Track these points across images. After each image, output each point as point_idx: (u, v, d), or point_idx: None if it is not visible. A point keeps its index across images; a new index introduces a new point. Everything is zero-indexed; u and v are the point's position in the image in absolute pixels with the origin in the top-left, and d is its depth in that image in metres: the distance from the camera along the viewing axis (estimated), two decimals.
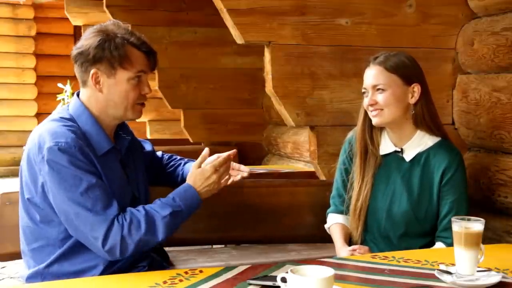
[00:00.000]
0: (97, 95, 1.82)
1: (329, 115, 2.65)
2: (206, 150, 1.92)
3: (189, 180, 1.87)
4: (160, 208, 1.75)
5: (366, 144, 2.16)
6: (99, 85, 1.80)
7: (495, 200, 2.49)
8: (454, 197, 2.06)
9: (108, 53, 1.77)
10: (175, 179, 2.15)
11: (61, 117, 1.81)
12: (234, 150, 1.92)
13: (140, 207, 1.74)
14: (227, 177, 1.91)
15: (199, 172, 1.86)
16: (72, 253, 1.74)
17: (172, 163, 2.21)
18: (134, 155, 1.98)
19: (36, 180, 1.72)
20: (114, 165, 1.84)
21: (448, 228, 1.93)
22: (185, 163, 2.18)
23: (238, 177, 1.98)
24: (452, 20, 2.77)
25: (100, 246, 1.67)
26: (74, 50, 1.82)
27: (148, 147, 2.18)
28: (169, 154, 2.27)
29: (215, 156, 1.92)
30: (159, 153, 2.26)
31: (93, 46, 1.77)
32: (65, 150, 1.68)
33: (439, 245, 2.06)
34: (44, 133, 1.73)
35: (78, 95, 1.88)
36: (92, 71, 1.79)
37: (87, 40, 1.79)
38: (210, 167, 1.86)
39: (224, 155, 1.90)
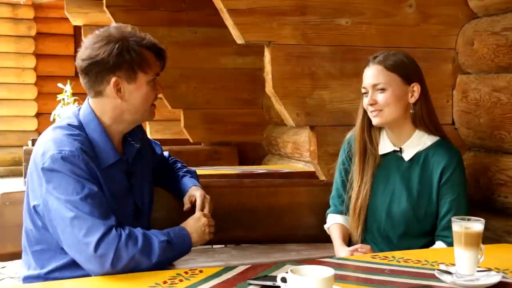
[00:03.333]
0: (115, 103, 1.78)
1: (329, 115, 2.65)
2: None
3: (183, 224, 1.88)
4: (157, 233, 1.72)
5: (365, 144, 2.16)
6: (120, 92, 1.76)
7: (495, 200, 2.49)
8: (453, 196, 2.06)
9: (129, 59, 1.74)
10: (172, 188, 2.16)
11: (68, 124, 1.77)
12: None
13: (137, 228, 1.71)
14: (213, 229, 1.93)
15: (191, 217, 1.91)
16: (75, 264, 1.70)
17: (174, 170, 2.21)
18: (142, 161, 1.95)
19: (41, 187, 1.69)
20: (118, 176, 1.82)
21: (448, 227, 1.93)
22: (182, 177, 2.17)
23: None
24: (452, 20, 2.77)
25: (91, 251, 1.59)
26: (84, 61, 1.75)
27: (158, 150, 2.19)
28: (173, 159, 2.26)
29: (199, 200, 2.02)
30: (166, 153, 2.26)
31: (113, 54, 1.72)
32: (68, 158, 1.65)
33: (439, 244, 2.06)
34: (49, 141, 1.70)
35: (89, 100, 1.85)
36: (113, 79, 1.74)
37: (99, 48, 1.73)
38: (198, 213, 1.93)
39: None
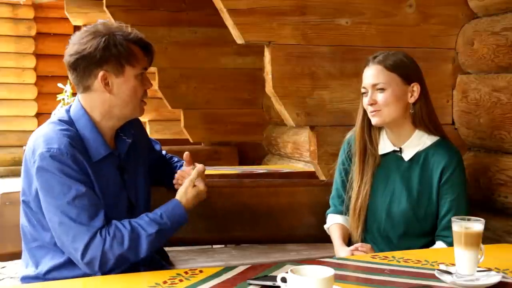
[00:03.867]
0: (104, 97, 1.79)
1: (329, 115, 2.65)
2: (201, 167, 1.91)
3: (178, 196, 1.86)
4: (146, 225, 1.72)
5: (365, 144, 2.16)
6: (108, 86, 1.77)
7: (495, 200, 2.49)
8: (453, 196, 2.06)
9: (116, 52, 1.75)
10: (170, 183, 2.15)
11: (59, 120, 1.79)
12: (187, 153, 2.00)
13: (125, 222, 1.71)
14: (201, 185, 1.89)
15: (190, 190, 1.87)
16: (72, 263, 1.72)
17: (172, 166, 2.20)
18: (136, 157, 1.95)
19: (31, 184, 1.72)
20: (110, 171, 1.82)
21: (448, 227, 1.92)
22: (180, 167, 2.15)
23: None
24: (452, 20, 2.77)
25: (79, 258, 1.64)
26: (71, 56, 1.77)
27: (158, 147, 2.19)
28: (169, 155, 2.27)
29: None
30: (162, 152, 2.25)
31: (99, 47, 1.73)
32: (56, 156, 1.66)
33: (439, 244, 2.06)
34: (39, 138, 1.72)
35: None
36: (101, 73, 1.75)
37: (86, 43, 1.74)
38: (188, 181, 1.87)
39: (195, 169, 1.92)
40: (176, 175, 2.03)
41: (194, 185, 1.87)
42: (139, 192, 1.94)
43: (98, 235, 1.65)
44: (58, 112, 1.88)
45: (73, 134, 1.74)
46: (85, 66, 1.76)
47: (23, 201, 1.77)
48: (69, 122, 1.79)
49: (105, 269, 1.66)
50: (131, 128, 1.95)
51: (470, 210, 2.08)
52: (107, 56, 1.74)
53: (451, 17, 2.77)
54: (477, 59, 2.65)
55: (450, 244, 1.93)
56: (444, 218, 2.06)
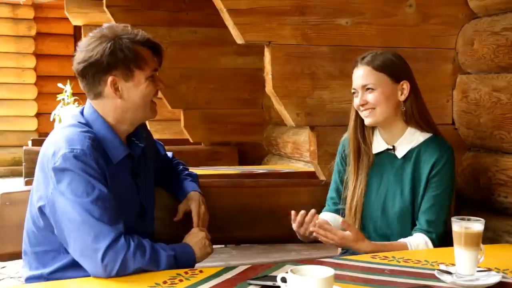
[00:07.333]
0: (116, 103, 1.77)
1: (329, 115, 2.65)
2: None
3: (186, 240, 1.86)
4: (164, 247, 1.70)
5: (359, 144, 2.18)
6: (118, 92, 1.76)
7: (495, 200, 2.49)
8: (438, 190, 2.05)
9: (122, 57, 1.73)
10: (172, 190, 2.16)
11: (79, 122, 1.77)
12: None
13: (146, 239, 1.68)
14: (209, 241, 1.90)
15: (188, 234, 1.89)
16: (77, 265, 1.67)
17: (176, 172, 2.21)
18: (147, 161, 1.94)
19: (48, 187, 1.67)
20: (125, 175, 1.81)
21: (431, 221, 1.95)
22: (182, 180, 2.16)
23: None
24: (452, 20, 2.77)
25: (99, 258, 1.57)
26: (80, 64, 1.75)
27: (162, 150, 2.19)
28: (176, 160, 2.26)
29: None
30: (169, 154, 2.25)
31: (106, 53, 1.71)
32: (80, 157, 1.64)
33: (419, 236, 2.00)
34: (60, 140, 1.69)
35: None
36: (110, 79, 1.74)
37: (93, 50, 1.73)
38: (195, 229, 1.93)
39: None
40: (180, 211, 2.08)
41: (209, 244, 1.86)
42: (148, 197, 1.94)
43: (122, 238, 1.60)
44: (72, 115, 1.85)
45: (93, 136, 1.73)
46: (93, 73, 1.75)
47: (39, 207, 1.71)
48: (87, 124, 1.77)
49: (122, 275, 1.59)
50: (143, 132, 1.95)
51: (450, 208, 2.07)
52: (114, 61, 1.73)
53: (451, 17, 2.76)
54: (477, 59, 2.65)
55: (434, 240, 1.94)
56: (426, 212, 2.03)
